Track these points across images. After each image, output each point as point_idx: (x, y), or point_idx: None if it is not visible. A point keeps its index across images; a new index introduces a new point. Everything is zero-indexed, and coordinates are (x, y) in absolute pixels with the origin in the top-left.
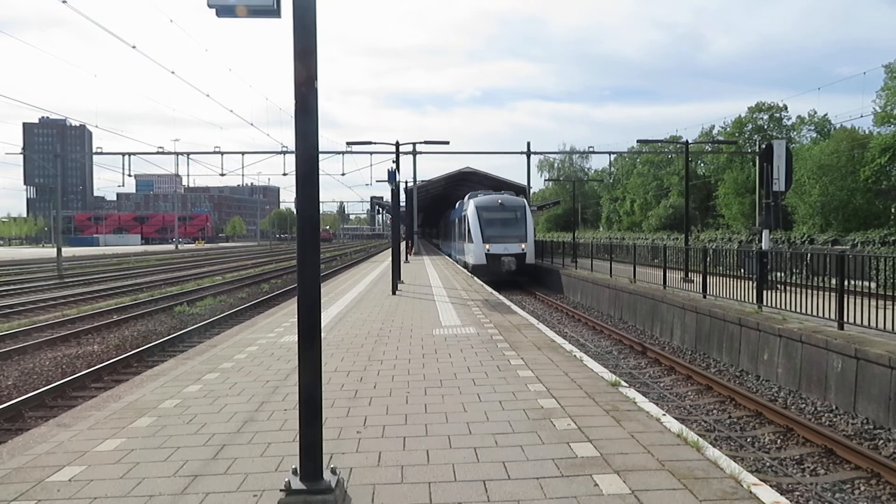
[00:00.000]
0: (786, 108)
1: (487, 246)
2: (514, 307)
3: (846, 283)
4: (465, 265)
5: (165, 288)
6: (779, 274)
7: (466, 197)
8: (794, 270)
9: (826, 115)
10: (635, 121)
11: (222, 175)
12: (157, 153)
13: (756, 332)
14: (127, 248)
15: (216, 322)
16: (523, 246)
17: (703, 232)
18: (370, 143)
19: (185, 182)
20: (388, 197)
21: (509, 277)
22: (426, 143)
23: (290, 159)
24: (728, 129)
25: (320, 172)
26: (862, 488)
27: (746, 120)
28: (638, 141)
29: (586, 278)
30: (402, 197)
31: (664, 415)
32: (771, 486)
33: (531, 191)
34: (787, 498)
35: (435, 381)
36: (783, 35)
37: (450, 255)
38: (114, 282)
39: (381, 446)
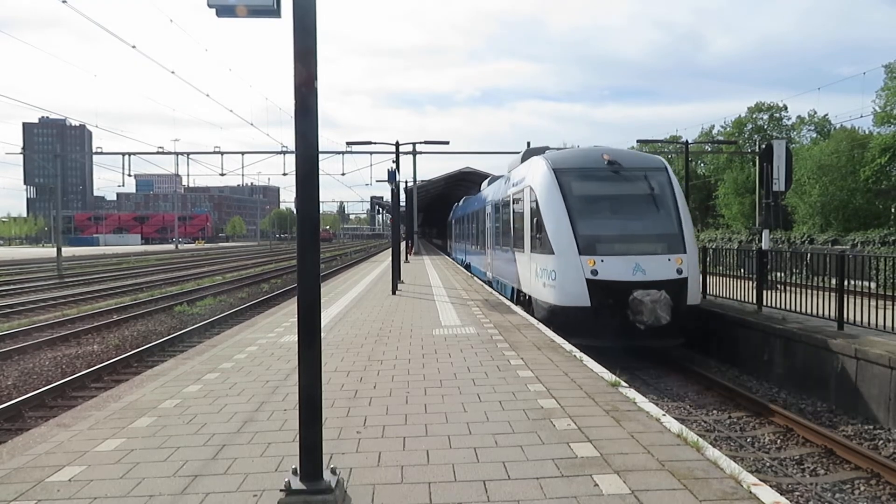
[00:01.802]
0: (786, 108)
1: (592, 262)
2: (513, 307)
3: (846, 283)
4: (520, 297)
5: (165, 288)
6: (779, 274)
7: (520, 158)
8: (794, 270)
9: (826, 115)
10: (635, 121)
11: (222, 175)
12: (157, 153)
13: (756, 332)
14: (127, 247)
15: (216, 322)
16: (680, 262)
17: (703, 232)
18: (370, 142)
19: (185, 182)
20: (388, 197)
21: (647, 341)
22: (426, 143)
23: (290, 159)
24: (728, 129)
25: (320, 172)
26: (862, 488)
27: (746, 120)
28: (637, 141)
29: None
30: (402, 197)
31: (664, 415)
32: (771, 486)
33: None
34: (787, 498)
35: (435, 382)
36: (784, 35)
37: (468, 268)
38: (114, 282)
39: (381, 446)
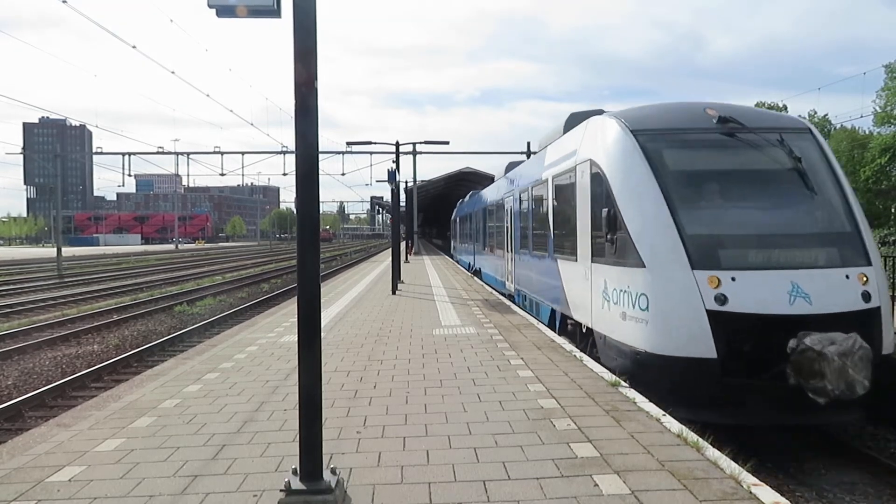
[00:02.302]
0: (786, 109)
1: (715, 282)
2: (513, 307)
3: None
4: (566, 326)
5: (165, 288)
6: None
7: (562, 126)
8: None
9: (826, 115)
10: None
11: (222, 175)
12: (157, 153)
13: None
14: (127, 247)
15: (216, 322)
16: (864, 280)
17: None
18: (370, 142)
19: (185, 182)
20: (388, 197)
21: (821, 418)
22: (426, 143)
23: (290, 159)
24: None
25: (320, 172)
26: (863, 488)
27: None
28: None
29: None
30: (402, 197)
31: (664, 415)
32: (770, 486)
33: None
34: (787, 498)
35: (435, 381)
36: (784, 35)
37: (477, 274)
38: (114, 281)
39: (380, 446)
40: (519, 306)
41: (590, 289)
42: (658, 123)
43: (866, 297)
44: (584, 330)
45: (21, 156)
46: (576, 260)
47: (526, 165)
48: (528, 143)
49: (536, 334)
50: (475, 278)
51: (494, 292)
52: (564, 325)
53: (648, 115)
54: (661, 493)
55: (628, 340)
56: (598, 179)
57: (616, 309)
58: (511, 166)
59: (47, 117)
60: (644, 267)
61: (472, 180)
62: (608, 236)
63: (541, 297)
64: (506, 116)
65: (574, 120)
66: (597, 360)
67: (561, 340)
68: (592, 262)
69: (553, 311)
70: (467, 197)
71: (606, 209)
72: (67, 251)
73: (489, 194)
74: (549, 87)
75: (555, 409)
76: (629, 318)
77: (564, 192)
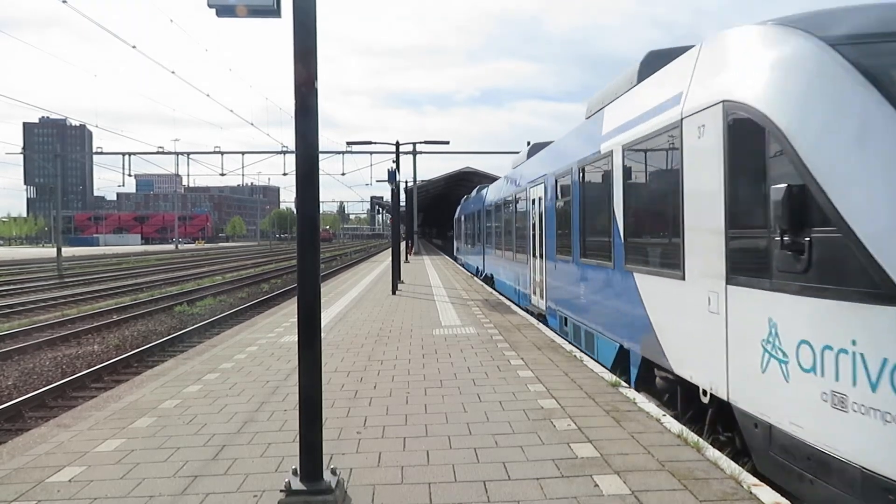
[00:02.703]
0: None
1: None
2: (513, 307)
3: None
4: (652, 378)
5: (165, 288)
6: None
7: (636, 71)
8: None
9: None
10: None
11: (222, 175)
12: (157, 153)
13: None
14: (127, 247)
15: (216, 322)
16: None
17: None
18: (370, 142)
19: (185, 182)
20: (388, 197)
21: None
22: (426, 143)
23: (290, 159)
24: None
25: (320, 172)
26: None
27: None
28: None
29: None
30: (402, 197)
31: (664, 415)
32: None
33: None
34: (787, 498)
35: (435, 382)
36: None
37: (488, 281)
38: (114, 282)
39: (381, 447)
40: (554, 331)
41: (723, 331)
42: (869, 27)
43: None
44: (705, 397)
45: (21, 156)
46: (681, 277)
47: (565, 141)
48: (528, 143)
49: (536, 334)
50: (475, 278)
51: (495, 293)
52: (650, 374)
53: (838, 18)
54: (661, 494)
55: (854, 455)
56: (745, 134)
57: (811, 382)
58: (537, 147)
59: (47, 117)
60: None
61: (472, 180)
62: (785, 238)
63: (598, 325)
64: (506, 116)
65: (655, 61)
66: (726, 448)
67: (560, 341)
68: (729, 283)
69: (623, 350)
70: (474, 191)
71: (783, 186)
72: (67, 251)
73: (507, 185)
74: (549, 87)
75: (555, 410)
76: (858, 409)
77: (651, 166)
